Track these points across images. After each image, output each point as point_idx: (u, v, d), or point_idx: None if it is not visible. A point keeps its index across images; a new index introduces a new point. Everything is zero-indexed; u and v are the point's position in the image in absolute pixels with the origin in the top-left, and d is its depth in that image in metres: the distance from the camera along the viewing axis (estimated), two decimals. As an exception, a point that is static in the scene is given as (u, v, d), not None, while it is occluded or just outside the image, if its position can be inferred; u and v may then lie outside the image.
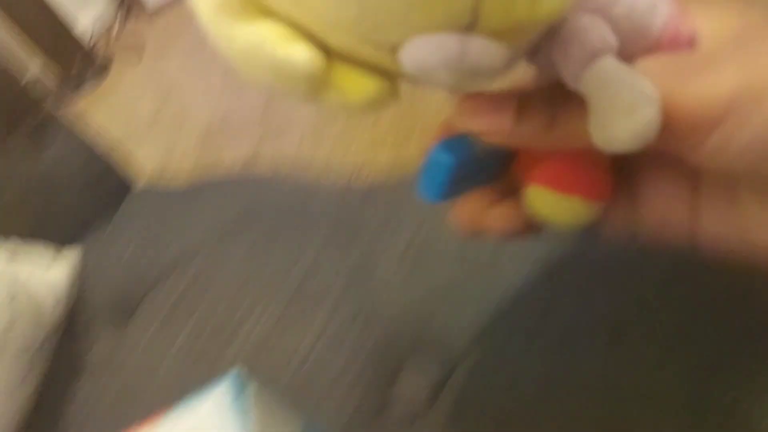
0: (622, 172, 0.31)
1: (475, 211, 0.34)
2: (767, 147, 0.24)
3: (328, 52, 0.24)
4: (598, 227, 0.32)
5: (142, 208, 0.92)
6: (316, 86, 0.24)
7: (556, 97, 0.27)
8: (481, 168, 0.33)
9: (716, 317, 0.43)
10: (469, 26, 0.21)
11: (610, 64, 0.24)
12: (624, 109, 0.23)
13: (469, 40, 0.21)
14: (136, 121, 2.23)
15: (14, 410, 0.64)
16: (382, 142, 1.57)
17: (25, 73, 1.02)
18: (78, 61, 2.48)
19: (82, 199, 0.96)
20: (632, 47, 0.26)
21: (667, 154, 0.27)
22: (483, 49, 0.22)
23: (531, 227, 0.33)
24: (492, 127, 0.28)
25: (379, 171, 1.43)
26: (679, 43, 0.26)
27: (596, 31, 0.24)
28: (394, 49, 0.22)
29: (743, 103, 0.24)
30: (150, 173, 1.07)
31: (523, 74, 0.28)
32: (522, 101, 0.28)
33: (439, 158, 0.31)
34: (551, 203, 0.30)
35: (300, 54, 0.23)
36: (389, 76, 0.25)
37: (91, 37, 2.62)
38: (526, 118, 0.28)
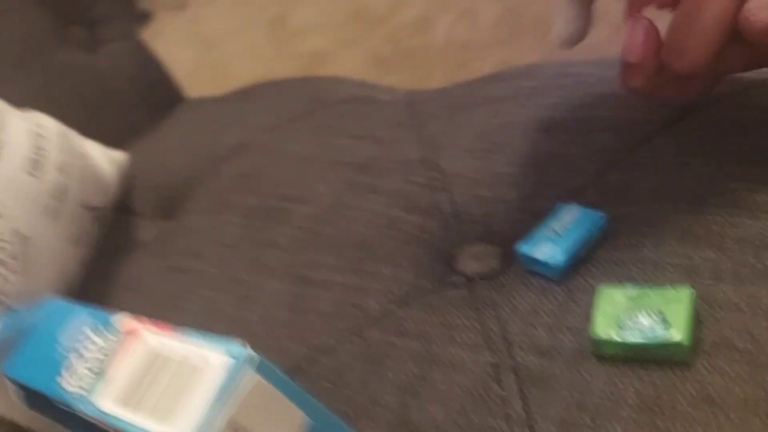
0: None
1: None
2: None
3: None
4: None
5: (195, 112, 0.91)
6: None
7: None
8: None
9: None
10: None
11: None
12: None
13: None
14: (176, 72, 2.22)
15: (67, 268, 0.64)
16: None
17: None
18: (119, 7, 2.47)
19: (135, 102, 0.96)
20: None
21: None
22: None
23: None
24: None
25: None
26: None
27: None
28: None
29: None
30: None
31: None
32: None
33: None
34: None
35: None
36: None
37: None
38: None
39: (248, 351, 0.28)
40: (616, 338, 0.37)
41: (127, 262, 0.69)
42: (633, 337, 0.37)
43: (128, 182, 0.79)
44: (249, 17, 2.24)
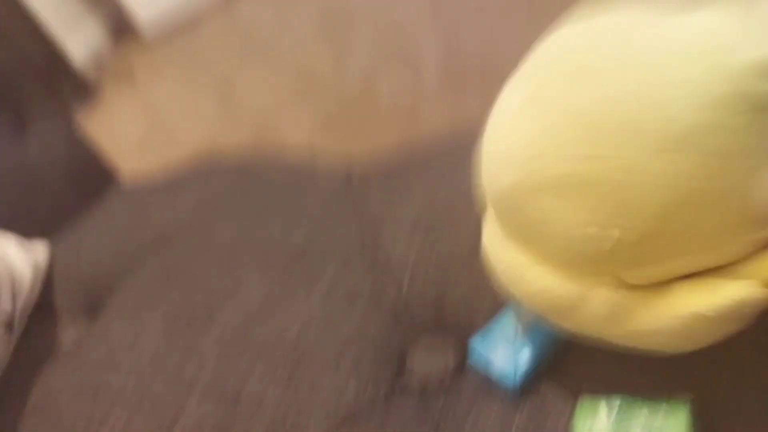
0: None
1: None
2: None
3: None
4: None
5: (122, 199, 0.83)
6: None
7: None
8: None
9: None
10: None
11: None
12: None
13: None
14: (124, 144, 2.16)
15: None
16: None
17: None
18: (67, 85, 2.41)
19: (64, 188, 0.88)
20: None
21: None
22: None
23: None
24: None
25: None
26: None
27: None
28: None
29: None
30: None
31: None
32: None
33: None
34: None
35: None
36: None
37: (81, 62, 2.55)
38: None
39: None
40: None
41: (43, 374, 0.60)
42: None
43: (48, 277, 0.70)
44: (196, 87, 2.19)
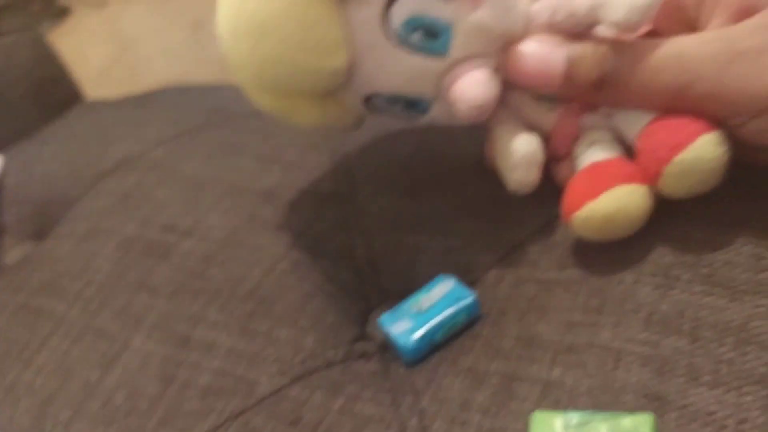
0: None
1: None
2: None
3: None
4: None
5: (87, 116, 0.78)
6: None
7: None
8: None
9: None
10: None
11: None
12: None
13: None
14: (89, 69, 2.08)
15: None
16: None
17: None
18: (38, 2, 2.32)
19: (26, 101, 0.83)
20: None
21: None
22: None
23: None
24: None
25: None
26: None
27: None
28: None
29: None
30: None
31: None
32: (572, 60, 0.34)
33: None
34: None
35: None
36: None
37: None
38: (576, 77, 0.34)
39: None
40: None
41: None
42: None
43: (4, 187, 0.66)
44: (168, 19, 2.12)
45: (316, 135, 0.55)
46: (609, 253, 0.36)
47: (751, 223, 0.35)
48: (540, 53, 0.34)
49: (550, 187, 0.39)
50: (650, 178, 0.32)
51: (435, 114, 0.38)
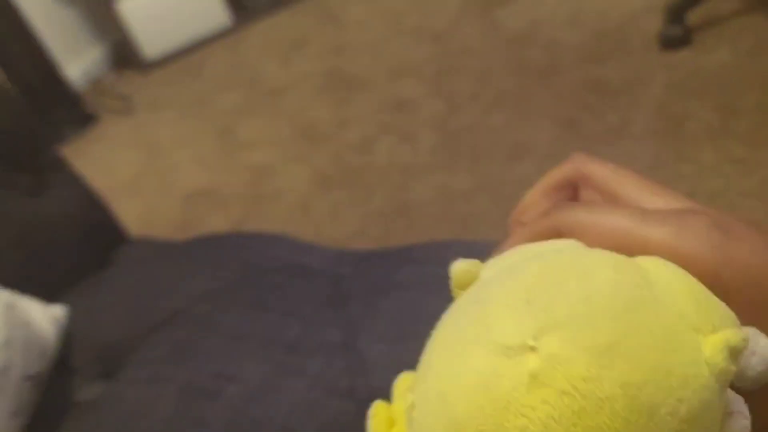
0: None
1: None
2: None
3: None
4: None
5: (135, 260, 0.98)
6: None
7: None
8: None
9: None
10: None
11: None
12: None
13: None
14: (119, 175, 2.27)
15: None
16: (374, 216, 1.64)
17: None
18: (63, 109, 2.52)
19: (77, 245, 1.02)
20: None
21: None
22: None
23: None
24: None
25: (369, 242, 1.49)
26: None
27: None
28: None
29: None
30: (131, 231, 1.12)
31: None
32: None
33: None
34: None
35: None
36: None
37: (79, 86, 2.67)
38: None
39: None
40: None
41: (63, 429, 0.75)
42: None
43: (67, 338, 0.85)
44: (197, 127, 2.31)
45: (325, 289, 0.75)
46: None
47: None
48: None
49: None
50: None
51: None
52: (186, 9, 2.69)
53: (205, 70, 2.63)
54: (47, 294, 0.87)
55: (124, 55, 2.83)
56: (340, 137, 1.95)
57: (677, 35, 1.70)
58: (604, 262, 0.24)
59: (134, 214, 1.90)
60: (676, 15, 1.71)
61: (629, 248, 0.25)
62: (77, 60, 2.81)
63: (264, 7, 2.74)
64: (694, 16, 1.71)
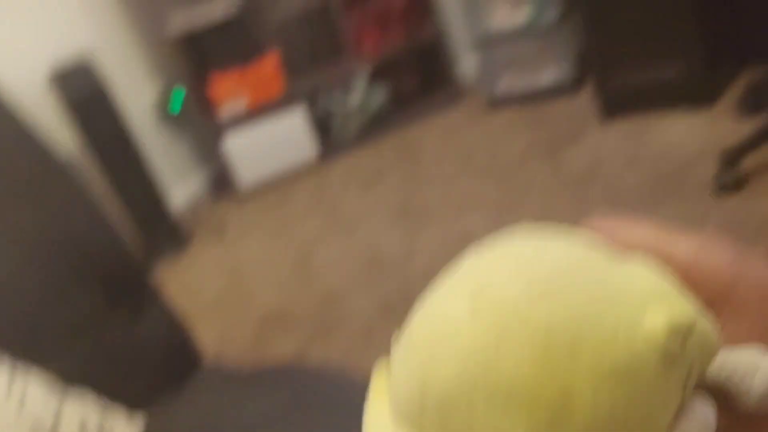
0: None
1: None
2: None
3: None
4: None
5: (206, 386, 1.12)
6: None
7: None
8: None
9: None
10: None
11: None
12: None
13: None
14: (204, 296, 2.44)
15: None
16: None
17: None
18: (164, 233, 2.76)
19: (160, 365, 1.16)
20: None
21: None
22: None
23: None
24: None
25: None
26: None
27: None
28: None
29: None
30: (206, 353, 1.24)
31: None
32: None
33: None
34: None
35: None
36: None
37: (179, 212, 2.91)
38: None
39: None
40: None
41: None
42: None
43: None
44: (277, 251, 2.49)
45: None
46: None
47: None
48: None
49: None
50: None
51: None
52: (281, 144, 2.93)
53: (291, 198, 2.83)
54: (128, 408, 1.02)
55: (222, 183, 3.06)
56: (406, 266, 2.08)
57: (731, 180, 1.77)
58: (562, 240, 0.24)
59: (213, 334, 2.07)
60: (731, 160, 1.79)
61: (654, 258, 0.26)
62: (180, 187, 3.07)
63: (349, 141, 2.97)
64: (748, 162, 1.79)
